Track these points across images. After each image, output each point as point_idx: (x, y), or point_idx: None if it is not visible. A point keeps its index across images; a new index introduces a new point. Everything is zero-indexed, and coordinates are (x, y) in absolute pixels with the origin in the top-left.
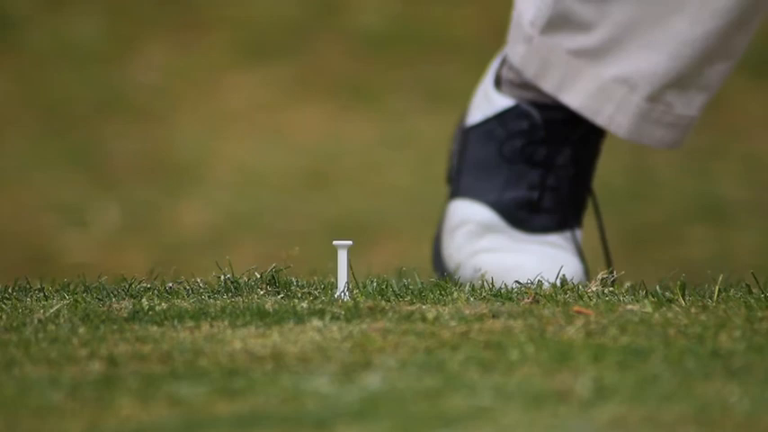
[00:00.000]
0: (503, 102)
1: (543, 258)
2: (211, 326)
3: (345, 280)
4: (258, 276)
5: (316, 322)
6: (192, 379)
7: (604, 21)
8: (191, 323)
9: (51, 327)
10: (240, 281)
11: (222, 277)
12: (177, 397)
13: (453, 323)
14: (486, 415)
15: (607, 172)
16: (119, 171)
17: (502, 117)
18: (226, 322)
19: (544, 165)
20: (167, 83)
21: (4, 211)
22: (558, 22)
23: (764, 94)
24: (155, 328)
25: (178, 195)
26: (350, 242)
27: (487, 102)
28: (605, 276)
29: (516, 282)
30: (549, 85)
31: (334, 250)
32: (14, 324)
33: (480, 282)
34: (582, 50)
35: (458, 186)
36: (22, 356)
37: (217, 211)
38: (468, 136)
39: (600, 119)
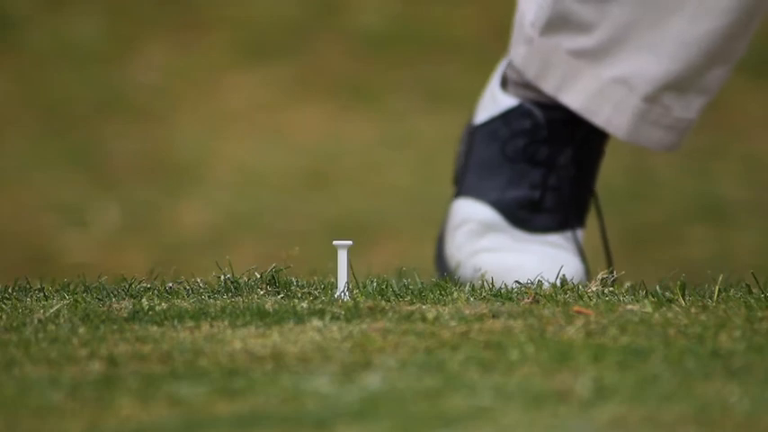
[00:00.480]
0: (507, 101)
1: (544, 258)
2: (211, 326)
3: (345, 280)
4: (258, 276)
5: (316, 322)
6: (191, 379)
7: (604, 21)
8: (191, 323)
9: (51, 327)
10: (240, 281)
11: (222, 277)
12: (177, 397)
13: (453, 323)
14: (486, 415)
15: (607, 172)
16: (119, 171)
17: (506, 116)
18: (226, 322)
19: (546, 164)
20: (167, 83)
21: (4, 211)
22: (557, 23)
23: (764, 94)
24: (155, 328)
25: (178, 195)
26: (350, 242)
27: (493, 102)
28: (605, 276)
29: (516, 282)
30: (548, 86)
31: (334, 250)
32: (14, 324)
33: (480, 282)
34: (581, 51)
35: (462, 185)
36: (22, 356)
37: (217, 211)
38: (474, 136)
39: (598, 119)
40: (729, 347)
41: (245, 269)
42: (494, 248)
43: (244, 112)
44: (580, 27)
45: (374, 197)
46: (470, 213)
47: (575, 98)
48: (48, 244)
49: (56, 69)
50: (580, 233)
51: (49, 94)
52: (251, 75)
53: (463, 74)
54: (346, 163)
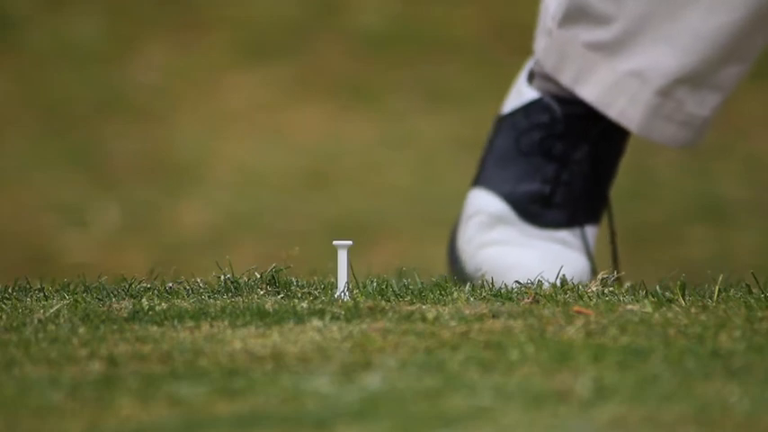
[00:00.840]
0: (530, 94)
1: (546, 255)
2: (211, 326)
3: (345, 280)
4: (258, 276)
5: (316, 322)
6: (191, 379)
7: (620, 14)
8: (191, 323)
9: (51, 327)
10: (240, 281)
11: (222, 277)
12: (177, 397)
13: (453, 323)
14: (486, 415)
15: None
16: (119, 171)
17: (527, 109)
18: (226, 322)
19: (560, 159)
20: (167, 83)
21: (4, 211)
22: (574, 15)
23: (765, 93)
24: (155, 328)
25: (178, 195)
26: (350, 242)
27: (518, 94)
28: (605, 276)
29: (516, 282)
30: (566, 78)
31: (334, 250)
32: (14, 324)
33: (480, 281)
34: (598, 44)
35: (479, 175)
36: (22, 356)
37: (217, 211)
38: (499, 125)
39: (612, 112)
40: (729, 347)
41: (245, 269)
42: (500, 242)
43: (244, 112)
44: (597, 20)
45: (374, 197)
46: (482, 205)
47: (590, 91)
48: (48, 244)
49: (56, 69)
50: (592, 230)
51: (49, 94)
52: (251, 75)
53: (463, 74)
54: (346, 163)
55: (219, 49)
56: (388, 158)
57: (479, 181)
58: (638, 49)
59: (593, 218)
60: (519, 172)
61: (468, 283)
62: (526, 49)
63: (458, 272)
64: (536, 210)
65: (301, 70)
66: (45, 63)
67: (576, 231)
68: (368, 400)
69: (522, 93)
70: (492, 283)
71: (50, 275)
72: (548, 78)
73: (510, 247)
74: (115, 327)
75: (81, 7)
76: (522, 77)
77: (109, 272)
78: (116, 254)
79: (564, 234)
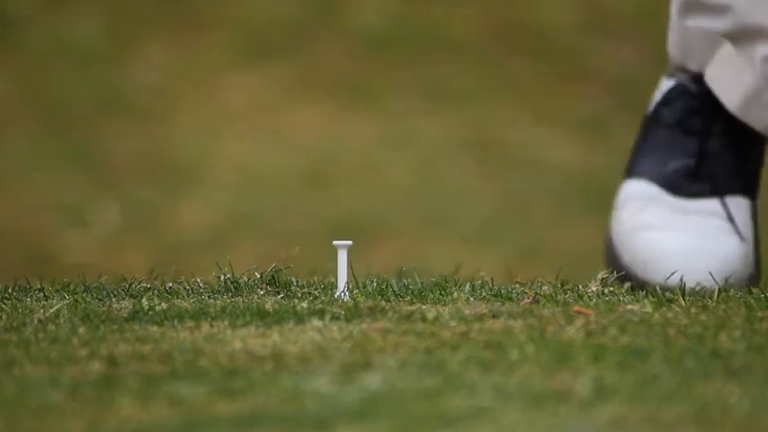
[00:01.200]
0: (666, 85)
1: (699, 236)
2: (211, 326)
3: (345, 280)
4: (258, 276)
5: (316, 322)
6: (191, 379)
7: (733, 4)
8: (191, 323)
9: (51, 327)
10: (240, 281)
11: (222, 277)
12: (177, 397)
13: (453, 323)
14: (486, 415)
15: (607, 170)
16: (119, 171)
17: (666, 98)
18: (226, 322)
19: (700, 133)
20: (167, 83)
21: (4, 211)
22: (692, 6)
23: None
24: (155, 328)
25: (178, 195)
26: (350, 242)
27: (659, 91)
28: (606, 276)
29: (517, 282)
30: (693, 65)
31: (334, 250)
32: (14, 324)
33: (481, 282)
34: (716, 31)
35: (628, 169)
36: (22, 356)
37: (217, 211)
38: (645, 125)
39: (716, 88)
40: (729, 347)
41: (245, 269)
42: (652, 226)
43: (244, 112)
44: (714, 10)
45: (374, 197)
46: (632, 191)
47: (709, 69)
48: (48, 244)
49: (56, 69)
50: (744, 203)
51: (49, 94)
52: (251, 75)
53: (463, 74)
54: (346, 163)
55: (219, 49)
56: (388, 158)
57: (628, 174)
58: (751, 35)
59: (743, 192)
60: (663, 154)
61: (469, 283)
62: (526, 49)
63: (614, 262)
64: (682, 182)
65: (301, 70)
66: (45, 63)
67: (724, 201)
68: (368, 400)
69: (660, 87)
70: (492, 283)
71: (50, 275)
72: (680, 66)
73: (662, 232)
74: (115, 327)
75: (81, 7)
76: (663, 79)
77: (109, 272)
78: (116, 254)
79: (712, 204)
